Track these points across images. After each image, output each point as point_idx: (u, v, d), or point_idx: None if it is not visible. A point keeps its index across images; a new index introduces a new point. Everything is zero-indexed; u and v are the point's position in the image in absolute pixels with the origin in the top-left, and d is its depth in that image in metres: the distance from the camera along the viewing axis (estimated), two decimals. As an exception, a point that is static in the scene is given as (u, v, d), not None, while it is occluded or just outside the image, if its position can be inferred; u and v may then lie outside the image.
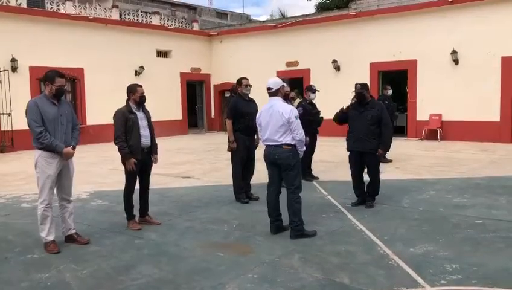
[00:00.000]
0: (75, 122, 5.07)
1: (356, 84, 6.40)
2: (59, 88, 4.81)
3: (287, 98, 7.86)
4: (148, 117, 5.65)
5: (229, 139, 6.82)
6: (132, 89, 5.53)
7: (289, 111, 5.08)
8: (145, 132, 5.51)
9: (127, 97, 5.56)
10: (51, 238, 4.81)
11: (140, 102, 5.53)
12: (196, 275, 4.10)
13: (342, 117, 6.58)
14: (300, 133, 5.10)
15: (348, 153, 6.55)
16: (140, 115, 5.52)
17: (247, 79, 6.85)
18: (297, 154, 5.19)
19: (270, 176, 5.34)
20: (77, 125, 5.13)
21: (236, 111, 6.72)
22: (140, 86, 5.61)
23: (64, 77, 4.94)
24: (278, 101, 5.22)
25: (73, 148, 4.90)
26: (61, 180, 4.93)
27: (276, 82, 5.27)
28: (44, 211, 4.78)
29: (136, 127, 5.41)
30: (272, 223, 5.33)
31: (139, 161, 5.45)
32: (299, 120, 5.11)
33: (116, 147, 5.49)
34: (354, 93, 6.47)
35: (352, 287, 3.81)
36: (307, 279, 3.97)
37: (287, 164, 5.12)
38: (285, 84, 5.42)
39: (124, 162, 5.47)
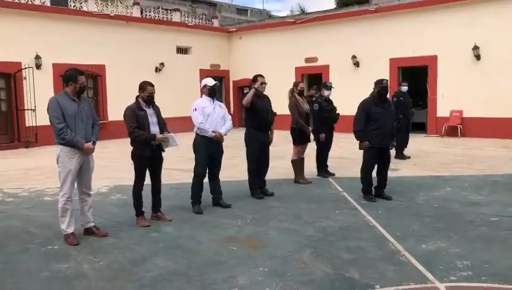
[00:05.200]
0: (94, 118, 5.20)
1: (384, 80, 6.51)
2: (82, 86, 4.99)
3: (302, 95, 7.96)
4: (158, 114, 5.66)
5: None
6: (142, 86, 5.54)
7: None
8: (154, 129, 5.52)
9: (138, 93, 5.58)
10: (70, 230, 4.98)
11: (147, 101, 5.52)
12: (209, 268, 4.21)
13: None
14: (196, 123, 6.08)
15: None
16: (149, 111, 5.54)
17: (263, 76, 6.92)
18: (197, 143, 6.14)
19: None
20: (97, 121, 5.27)
21: (252, 107, 6.79)
22: (152, 86, 5.56)
23: (84, 74, 5.10)
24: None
25: (94, 143, 5.05)
26: (82, 174, 5.08)
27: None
28: (64, 204, 4.95)
29: (146, 124, 5.44)
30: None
31: (148, 157, 5.52)
32: (193, 112, 6.10)
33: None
34: (375, 88, 6.53)
35: (361, 282, 3.85)
36: (317, 273, 4.04)
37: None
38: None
39: (133, 157, 5.58)
